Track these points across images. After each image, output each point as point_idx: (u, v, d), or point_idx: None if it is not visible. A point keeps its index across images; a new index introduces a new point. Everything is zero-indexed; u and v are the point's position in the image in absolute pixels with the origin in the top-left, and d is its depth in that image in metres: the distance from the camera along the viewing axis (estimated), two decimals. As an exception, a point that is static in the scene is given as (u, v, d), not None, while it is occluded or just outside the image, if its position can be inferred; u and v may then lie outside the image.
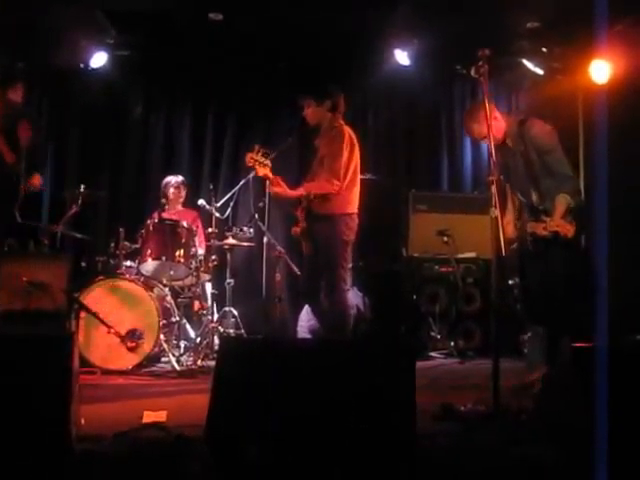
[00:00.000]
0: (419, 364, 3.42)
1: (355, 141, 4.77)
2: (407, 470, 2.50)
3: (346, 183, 4.66)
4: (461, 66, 7.09)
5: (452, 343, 6.33)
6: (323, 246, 4.70)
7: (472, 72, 3.56)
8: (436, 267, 6.65)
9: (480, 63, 3.51)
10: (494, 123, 4.33)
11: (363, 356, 2.73)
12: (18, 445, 2.56)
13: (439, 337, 6.40)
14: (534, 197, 4.30)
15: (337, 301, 4.68)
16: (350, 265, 4.86)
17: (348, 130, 4.76)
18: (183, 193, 6.47)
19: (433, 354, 6.26)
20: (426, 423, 3.15)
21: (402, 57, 6.85)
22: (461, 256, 6.58)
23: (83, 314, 5.13)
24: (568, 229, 4.05)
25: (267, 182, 5.27)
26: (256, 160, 4.85)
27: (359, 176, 4.82)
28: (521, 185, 4.38)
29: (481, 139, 4.37)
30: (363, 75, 6.96)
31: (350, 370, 2.67)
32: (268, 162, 4.90)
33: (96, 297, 5.24)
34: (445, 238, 6.41)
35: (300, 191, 4.78)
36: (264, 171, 4.88)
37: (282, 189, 4.88)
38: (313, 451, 2.57)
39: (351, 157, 4.68)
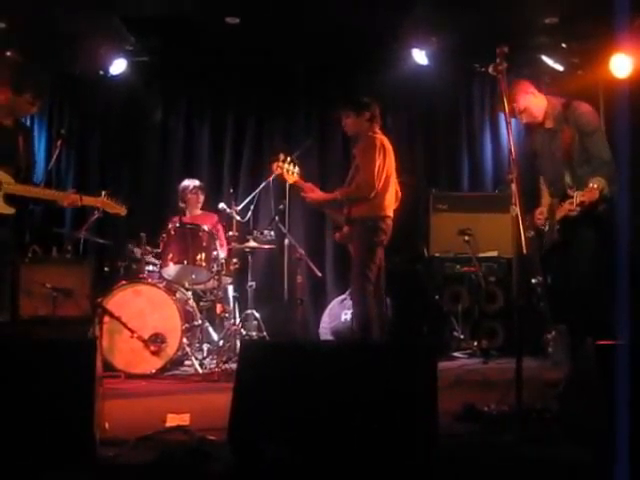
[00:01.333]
0: (442, 364, 3.41)
1: (388, 148, 4.91)
2: (429, 470, 2.49)
3: (379, 188, 4.79)
4: (479, 64, 7.04)
5: (475, 343, 6.29)
6: (355, 247, 4.87)
7: (490, 70, 3.55)
8: (458, 266, 6.62)
9: (498, 61, 3.49)
10: (532, 98, 4.32)
11: (385, 357, 2.73)
12: (42, 449, 2.59)
13: (462, 337, 6.37)
14: (567, 180, 4.21)
15: (361, 301, 4.79)
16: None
17: (380, 138, 4.91)
18: (201, 197, 6.48)
19: (456, 354, 6.22)
20: (449, 423, 3.14)
21: (420, 56, 6.82)
22: (483, 255, 6.54)
23: (107, 319, 5.17)
24: (593, 193, 3.86)
25: (287, 185, 5.33)
26: (283, 168, 5.00)
27: (393, 181, 4.95)
28: (554, 169, 4.31)
29: (516, 115, 4.32)
30: (381, 75, 6.95)
31: (372, 371, 2.67)
32: (297, 169, 5.07)
33: (119, 302, 5.28)
34: (466, 237, 6.38)
35: (335, 194, 4.96)
36: (294, 178, 5.13)
37: (317, 194, 5.07)
38: (336, 452, 2.57)
39: (383, 164, 4.83)
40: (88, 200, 4.67)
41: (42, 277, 5.54)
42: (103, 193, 4.79)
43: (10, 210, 4.21)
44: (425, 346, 2.77)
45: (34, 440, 2.60)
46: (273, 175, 5.26)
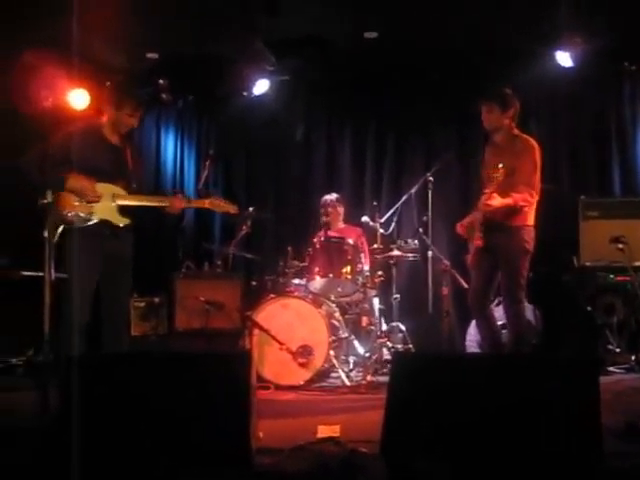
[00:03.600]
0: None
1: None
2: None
3: None
4: (629, 62, 6.72)
5: (633, 357, 5.94)
6: (505, 257, 4.73)
7: None
8: (611, 276, 6.27)
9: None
10: None
11: (543, 371, 2.64)
12: (203, 457, 2.69)
13: (618, 351, 6.03)
14: None
15: (516, 313, 4.71)
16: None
17: (534, 142, 4.79)
18: (340, 210, 6.56)
19: (612, 369, 5.89)
20: (611, 442, 2.97)
21: (564, 58, 6.59)
22: (639, 264, 6.18)
23: (256, 331, 5.33)
24: None
25: (429, 196, 5.29)
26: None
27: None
28: None
29: None
30: (522, 79, 6.75)
31: (528, 385, 2.59)
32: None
33: (268, 315, 5.41)
34: (620, 245, 6.04)
35: (508, 201, 4.63)
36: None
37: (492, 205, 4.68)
38: (490, 467, 2.51)
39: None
40: (197, 202, 4.83)
41: (195, 291, 5.83)
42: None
43: (125, 221, 4.43)
44: (587, 360, 2.66)
45: (195, 448, 2.71)
46: (414, 187, 5.15)
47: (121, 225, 4.41)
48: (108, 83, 6.92)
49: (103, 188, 4.36)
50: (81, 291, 4.24)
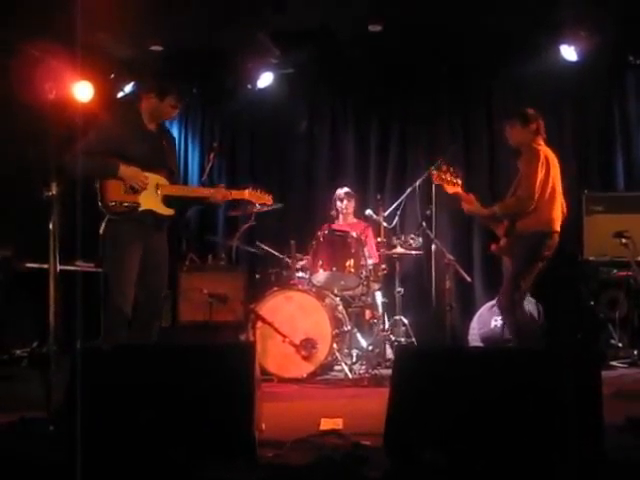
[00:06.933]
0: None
1: (552, 161, 4.82)
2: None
3: (542, 201, 4.69)
4: (634, 56, 6.70)
5: (635, 351, 5.95)
6: (515, 259, 4.80)
7: None
8: (614, 271, 6.28)
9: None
10: None
11: (544, 365, 2.65)
12: (207, 448, 2.70)
13: (620, 345, 6.04)
14: None
15: (510, 309, 4.72)
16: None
17: (544, 150, 4.82)
18: (350, 204, 6.55)
19: (614, 363, 5.91)
20: (613, 436, 2.98)
21: (569, 52, 6.58)
22: (642, 259, 6.18)
23: (260, 324, 5.34)
24: None
25: (433, 190, 5.31)
26: (444, 179, 4.97)
27: (559, 194, 4.83)
28: None
29: None
30: (527, 73, 6.75)
31: (530, 379, 2.60)
32: (458, 180, 5.02)
33: (271, 308, 5.43)
34: (624, 240, 6.04)
35: (494, 209, 4.87)
36: (454, 189, 5.03)
37: (475, 207, 4.99)
38: (492, 460, 2.53)
39: (547, 177, 4.73)
40: (237, 194, 4.69)
41: (199, 284, 5.84)
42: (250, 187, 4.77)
43: (170, 212, 4.30)
44: (588, 354, 2.67)
45: (198, 440, 2.73)
46: (433, 183, 5.18)
47: (165, 215, 4.28)
48: (112, 75, 7.01)
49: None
50: (128, 283, 4.11)
